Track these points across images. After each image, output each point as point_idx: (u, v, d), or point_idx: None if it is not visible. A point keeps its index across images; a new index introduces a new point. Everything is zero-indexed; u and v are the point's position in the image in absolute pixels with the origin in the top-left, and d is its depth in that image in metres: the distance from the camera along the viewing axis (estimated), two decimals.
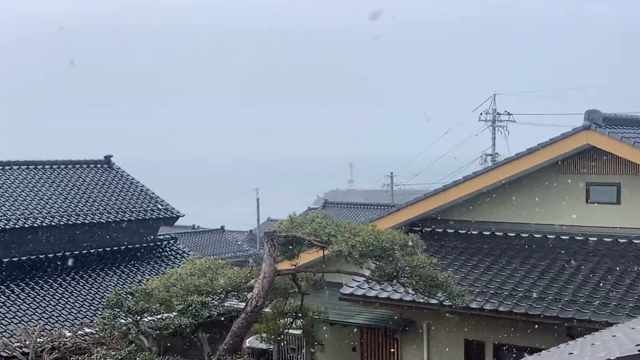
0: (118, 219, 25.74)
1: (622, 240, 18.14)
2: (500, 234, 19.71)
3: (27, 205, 24.28)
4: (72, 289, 22.88)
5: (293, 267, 17.87)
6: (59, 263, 23.81)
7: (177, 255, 26.70)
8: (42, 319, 20.78)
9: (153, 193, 28.03)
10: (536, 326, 16.68)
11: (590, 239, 18.51)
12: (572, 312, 16.05)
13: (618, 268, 17.20)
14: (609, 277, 16.97)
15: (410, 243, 16.50)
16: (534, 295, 16.91)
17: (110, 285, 23.42)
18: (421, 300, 17.30)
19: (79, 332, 19.35)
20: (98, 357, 15.96)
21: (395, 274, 16.41)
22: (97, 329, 17.92)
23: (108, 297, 17.68)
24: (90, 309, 22.05)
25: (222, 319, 18.53)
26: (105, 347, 16.93)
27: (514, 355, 16.94)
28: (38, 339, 18.21)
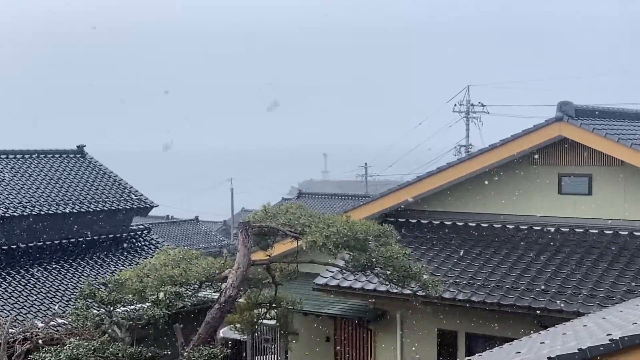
0: (91, 209, 25.55)
1: (593, 231, 18.31)
2: (474, 224, 19.81)
3: None
4: (45, 279, 22.70)
5: (267, 257, 17.87)
6: (30, 253, 23.61)
7: (151, 246, 26.57)
8: (14, 309, 20.60)
9: (126, 183, 27.85)
10: (508, 316, 16.82)
11: (562, 229, 18.67)
12: (544, 302, 16.19)
13: (589, 259, 17.38)
14: (581, 267, 17.14)
15: (384, 234, 16.55)
16: (507, 285, 17.05)
17: (83, 275, 23.27)
18: (395, 291, 17.37)
19: (52, 322, 19.21)
20: (71, 347, 15.84)
21: (369, 264, 16.45)
22: (70, 320, 17.80)
23: (81, 288, 17.56)
24: (63, 299, 21.89)
25: (196, 309, 18.50)
26: (78, 338, 16.84)
27: (487, 345, 17.06)
28: (10, 330, 18.05)
